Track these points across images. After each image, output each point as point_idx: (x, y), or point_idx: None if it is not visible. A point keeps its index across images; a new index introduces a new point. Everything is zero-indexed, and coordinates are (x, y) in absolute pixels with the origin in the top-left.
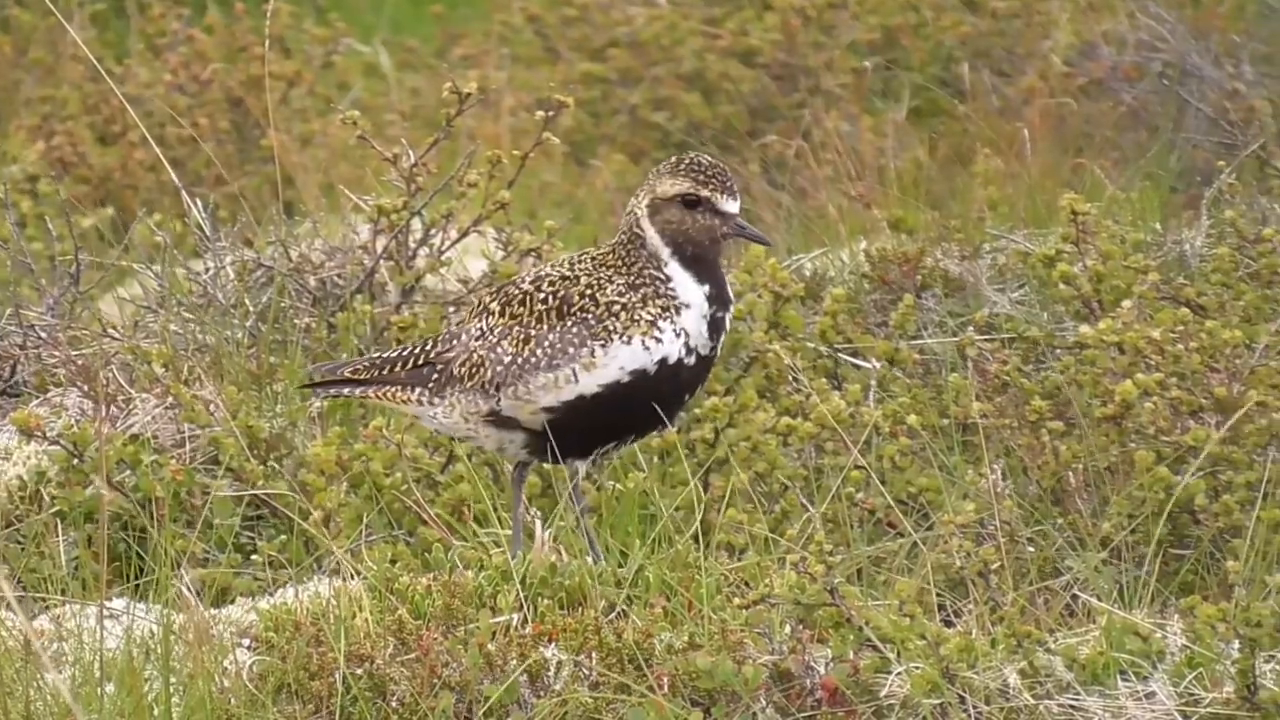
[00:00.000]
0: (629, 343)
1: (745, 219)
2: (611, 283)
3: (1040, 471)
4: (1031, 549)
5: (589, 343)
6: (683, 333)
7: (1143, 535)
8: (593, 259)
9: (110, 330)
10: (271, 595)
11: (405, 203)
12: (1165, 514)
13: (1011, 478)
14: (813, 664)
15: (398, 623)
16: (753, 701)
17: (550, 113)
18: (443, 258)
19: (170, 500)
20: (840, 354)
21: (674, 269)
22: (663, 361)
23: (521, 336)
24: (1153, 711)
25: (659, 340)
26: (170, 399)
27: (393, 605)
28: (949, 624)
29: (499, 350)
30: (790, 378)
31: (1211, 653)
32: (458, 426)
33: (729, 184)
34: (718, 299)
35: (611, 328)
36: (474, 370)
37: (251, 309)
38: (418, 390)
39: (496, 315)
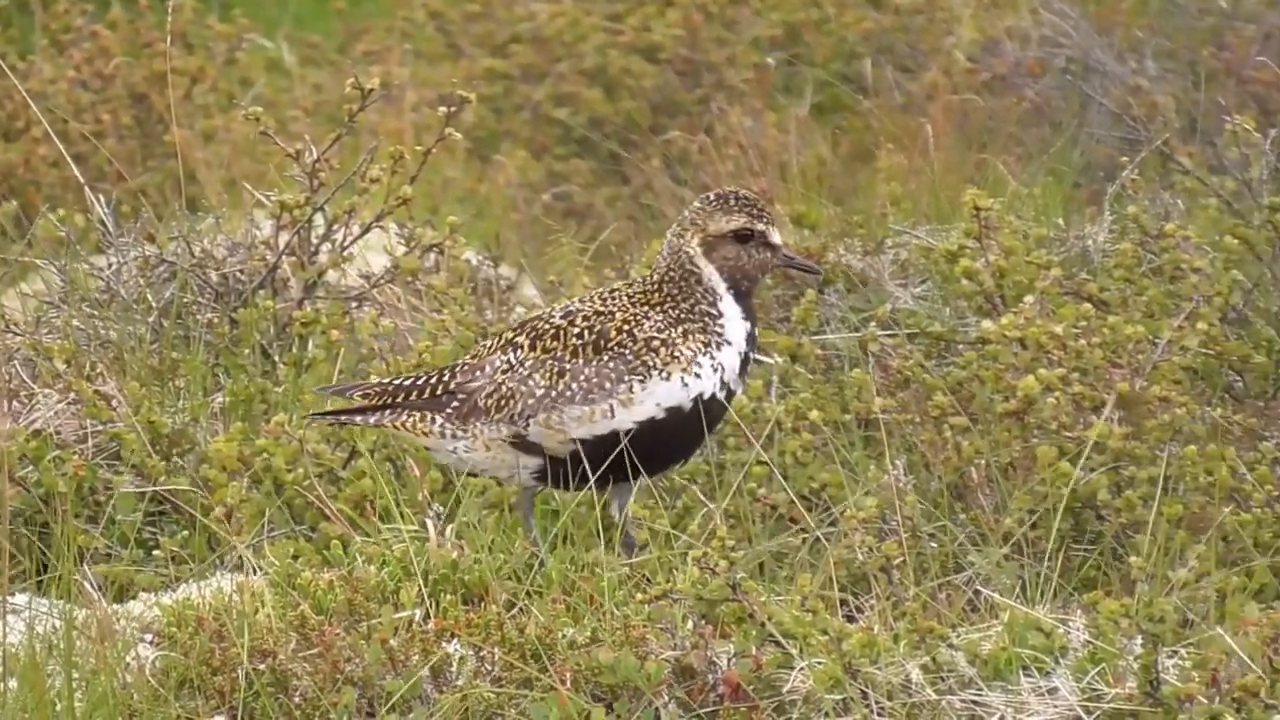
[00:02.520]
0: (668, 379)
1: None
2: (649, 318)
3: (942, 467)
4: (934, 544)
5: (627, 378)
6: (720, 368)
7: (1045, 531)
8: (627, 295)
9: (12, 326)
10: (174, 591)
11: (308, 198)
12: (1067, 509)
13: (913, 473)
14: (715, 659)
15: (300, 618)
16: (655, 697)
17: (453, 108)
18: (345, 253)
19: (72, 496)
20: None
21: (728, 304)
22: (698, 398)
23: (555, 370)
24: (1055, 707)
25: (698, 377)
26: (72, 394)
27: (295, 601)
28: (851, 619)
29: (530, 383)
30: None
31: (1114, 648)
32: (477, 454)
33: (772, 216)
34: (752, 338)
35: (651, 363)
36: (502, 402)
37: (154, 305)
38: (439, 421)
39: (526, 349)
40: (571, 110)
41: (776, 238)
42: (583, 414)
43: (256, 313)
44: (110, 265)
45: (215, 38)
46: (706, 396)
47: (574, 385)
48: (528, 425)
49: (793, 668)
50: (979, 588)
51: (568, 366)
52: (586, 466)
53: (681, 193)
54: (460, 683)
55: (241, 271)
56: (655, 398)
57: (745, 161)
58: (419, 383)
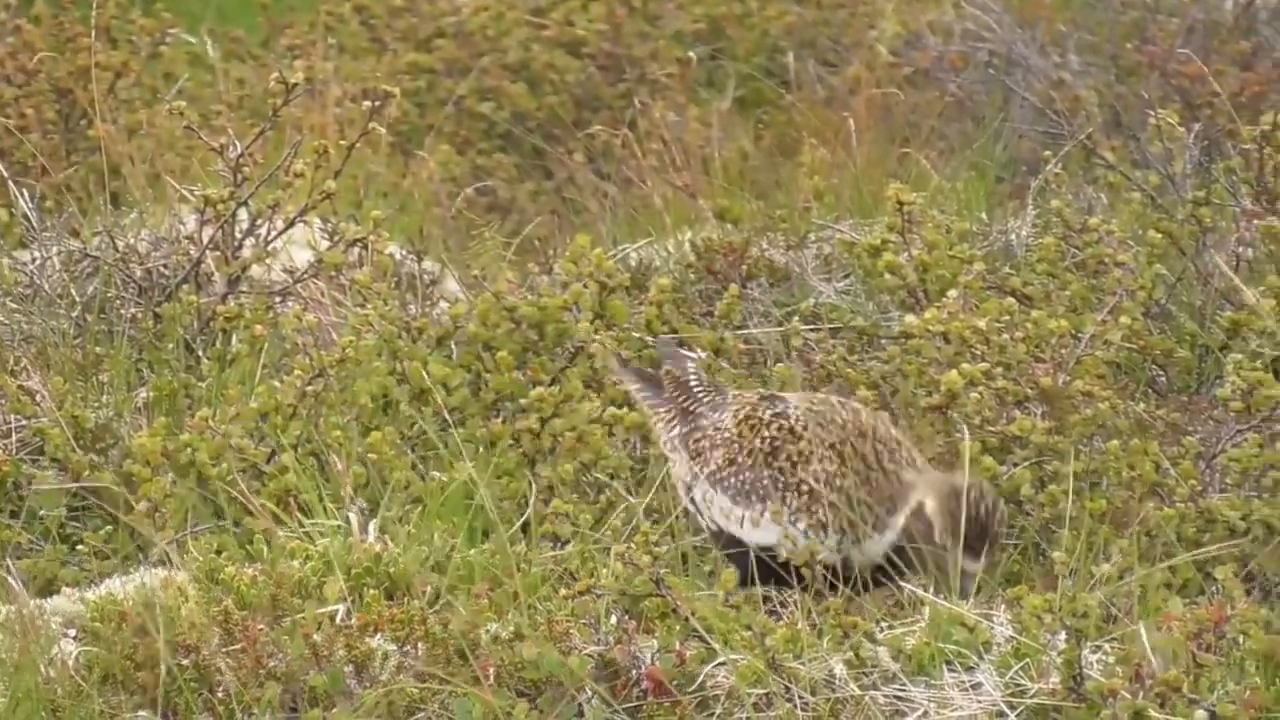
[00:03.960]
0: (795, 524)
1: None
2: (820, 462)
3: None
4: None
5: (766, 501)
6: (846, 556)
7: None
8: (841, 433)
9: None
10: (97, 586)
11: (232, 193)
12: None
13: None
14: (638, 654)
15: (223, 613)
16: (578, 692)
17: (376, 103)
18: (269, 248)
19: None
20: None
21: (886, 540)
22: (812, 554)
23: (729, 458)
24: (979, 702)
25: (805, 537)
26: None
27: (218, 596)
28: (775, 615)
29: (715, 453)
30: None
31: (1038, 643)
32: (678, 483)
33: (978, 548)
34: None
35: (788, 502)
36: (696, 454)
37: (78, 299)
38: (675, 430)
39: (735, 421)
40: (495, 105)
41: (969, 567)
42: (725, 507)
43: (180, 308)
44: (34, 260)
45: (139, 32)
46: (821, 558)
47: (733, 479)
48: (692, 487)
49: (716, 663)
50: (902, 583)
51: (738, 459)
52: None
53: (604, 187)
54: (383, 678)
55: (165, 266)
56: (774, 534)
57: (668, 156)
58: (696, 389)
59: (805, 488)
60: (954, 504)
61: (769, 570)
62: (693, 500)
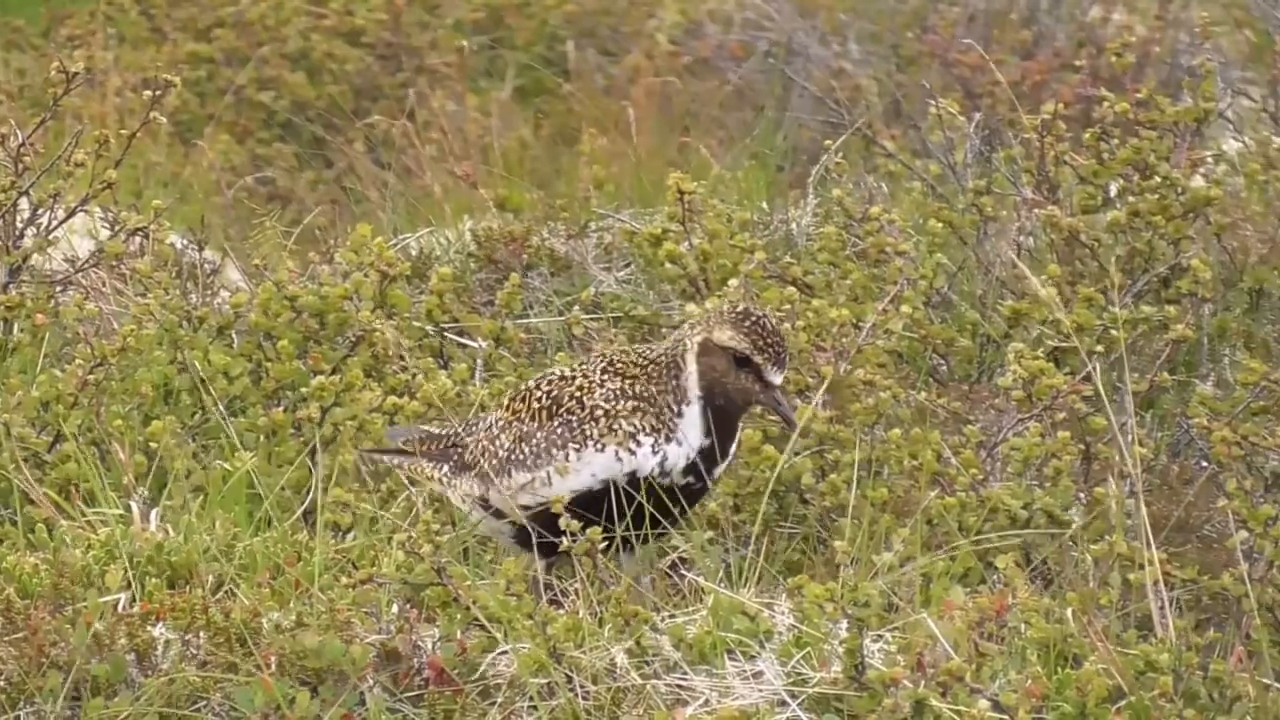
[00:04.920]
0: (602, 450)
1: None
2: (603, 386)
3: None
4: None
5: (566, 446)
6: (662, 454)
7: (749, 514)
8: (610, 360)
9: None
10: None
11: (12, 183)
12: (772, 493)
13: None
14: (420, 643)
15: (5, 601)
16: (360, 681)
17: (156, 93)
18: (50, 237)
19: None
20: (447, 333)
21: (692, 412)
22: (633, 475)
23: (517, 433)
24: (760, 691)
25: (633, 454)
26: None
27: (0, 585)
28: (556, 603)
29: (497, 444)
30: (397, 357)
31: (819, 632)
32: (464, 508)
33: (783, 355)
34: (710, 454)
35: (588, 433)
36: (478, 459)
37: None
38: (443, 468)
39: (504, 409)
40: (274, 94)
41: (774, 376)
42: (525, 481)
43: None
44: None
45: None
46: (643, 475)
47: (525, 449)
48: (488, 489)
49: (498, 651)
50: (684, 571)
51: (525, 429)
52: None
53: (384, 176)
54: (166, 666)
55: None
56: (591, 468)
57: (447, 145)
58: (446, 432)
59: (599, 412)
60: (747, 325)
61: (598, 509)
62: (490, 506)
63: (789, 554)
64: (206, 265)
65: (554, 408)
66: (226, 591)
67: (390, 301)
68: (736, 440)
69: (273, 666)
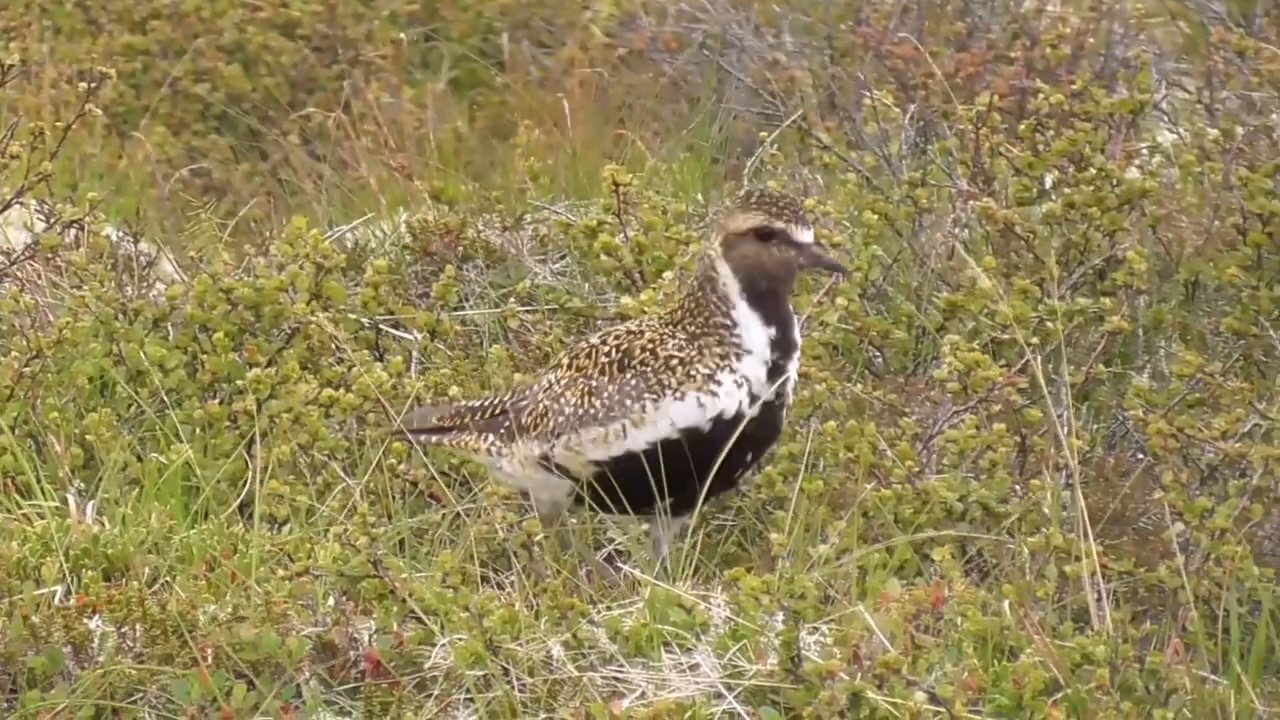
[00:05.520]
0: (682, 399)
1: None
2: (674, 337)
3: None
4: (574, 521)
5: (643, 397)
6: (744, 381)
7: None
8: (660, 317)
9: None
10: None
11: None
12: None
13: None
14: (356, 636)
15: None
16: (296, 673)
17: (92, 84)
18: None
19: None
20: (382, 325)
21: (742, 311)
22: (718, 417)
23: (585, 389)
24: (697, 683)
25: (714, 395)
26: None
27: None
28: (493, 596)
29: (563, 401)
30: (332, 349)
31: (755, 625)
32: (517, 474)
33: (801, 213)
34: (782, 344)
35: (665, 382)
36: (539, 420)
37: None
38: (489, 439)
39: (565, 368)
40: (210, 86)
41: (803, 235)
42: (598, 435)
43: None
44: None
45: None
46: (730, 415)
47: (596, 403)
48: (553, 448)
49: (434, 644)
50: (620, 564)
51: (594, 384)
52: (617, 490)
53: (319, 168)
54: (102, 659)
55: None
56: (669, 417)
57: (382, 137)
58: (486, 404)
59: (674, 362)
60: (754, 201)
61: (678, 459)
62: (550, 465)
63: (725, 547)
64: (142, 257)
65: (625, 360)
66: (163, 584)
67: (326, 294)
68: (797, 328)
69: (209, 659)
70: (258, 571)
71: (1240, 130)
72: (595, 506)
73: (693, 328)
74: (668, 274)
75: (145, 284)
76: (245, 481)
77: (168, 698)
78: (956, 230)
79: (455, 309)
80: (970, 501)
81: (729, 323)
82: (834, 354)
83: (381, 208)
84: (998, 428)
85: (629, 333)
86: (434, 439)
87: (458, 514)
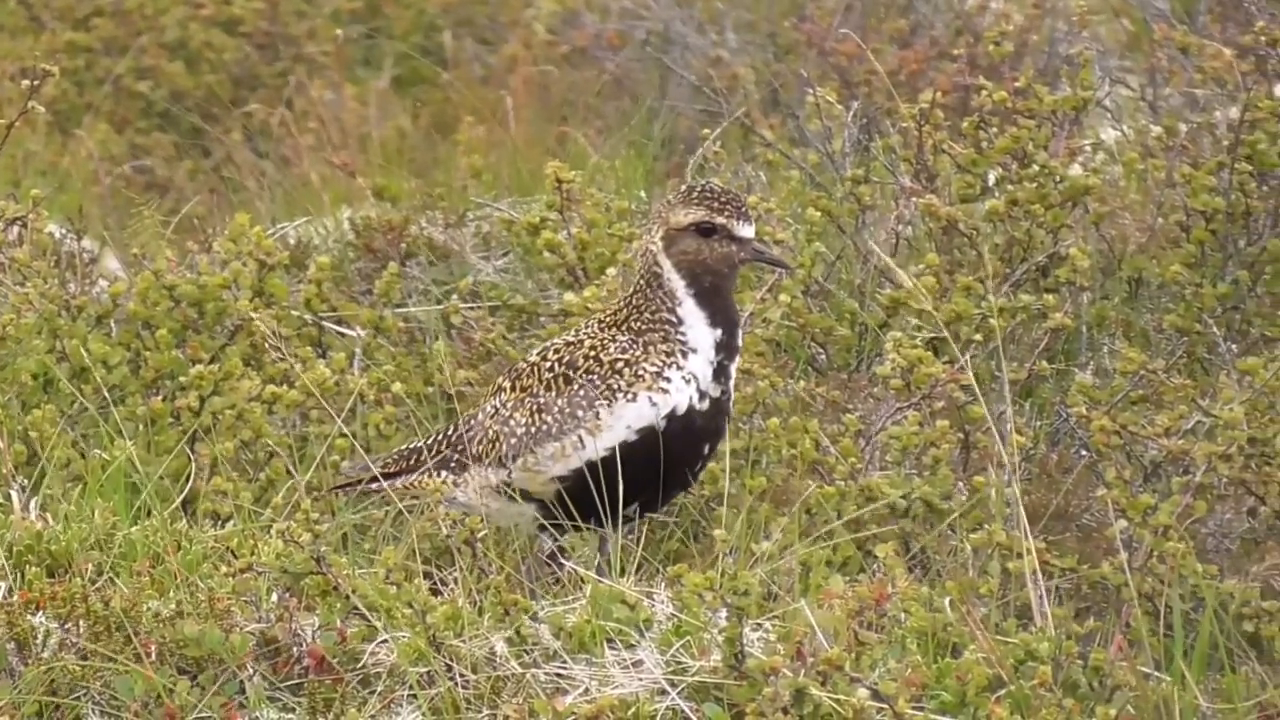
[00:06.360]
0: (634, 400)
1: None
2: (615, 341)
3: None
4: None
5: (595, 404)
6: (691, 378)
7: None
8: (599, 321)
9: None
10: None
11: None
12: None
13: None
14: (300, 632)
15: None
16: (240, 669)
17: (35, 82)
18: None
19: None
20: (325, 322)
21: (689, 308)
22: (672, 414)
23: (534, 407)
24: (640, 680)
25: (665, 391)
26: None
27: None
28: (436, 592)
29: (512, 423)
30: (275, 346)
31: (699, 621)
32: (473, 503)
33: (743, 208)
34: (726, 346)
35: (615, 386)
36: (490, 446)
37: None
38: (442, 474)
39: (509, 390)
40: (153, 83)
41: (744, 230)
42: (555, 450)
43: None
44: None
45: None
46: (682, 410)
47: (548, 419)
48: (510, 473)
49: (377, 640)
50: (563, 560)
51: (542, 401)
52: (572, 509)
53: (263, 166)
54: (45, 655)
55: None
56: (625, 420)
57: (325, 134)
58: (431, 442)
59: (620, 364)
60: (695, 196)
61: (637, 462)
62: (511, 491)
63: (669, 543)
64: (85, 254)
65: (569, 372)
66: (106, 580)
67: (268, 290)
68: (741, 330)
69: (152, 655)
70: (201, 568)
71: (1183, 127)
72: (560, 526)
73: (638, 324)
74: (611, 270)
75: (88, 281)
76: (188, 478)
77: (111, 694)
78: (899, 227)
79: (398, 306)
80: (913, 498)
81: (674, 319)
82: (777, 351)
83: (324, 205)
84: (940, 424)
85: (567, 344)
86: (375, 486)
87: (401, 511)
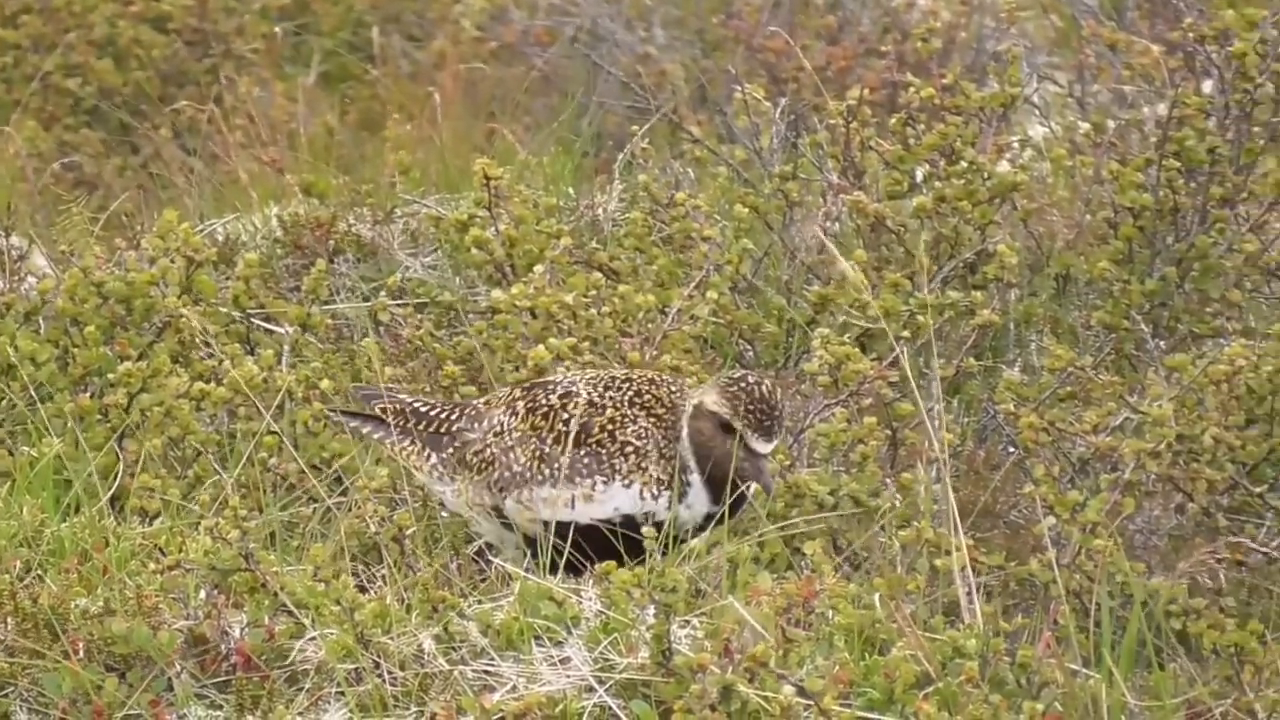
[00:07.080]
0: (629, 487)
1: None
2: (635, 422)
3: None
4: (446, 514)
5: (594, 476)
6: (676, 514)
7: None
8: (635, 390)
9: None
10: None
11: None
12: None
13: None
14: (228, 629)
15: None
16: (168, 667)
17: None
18: None
19: None
20: (253, 319)
21: (695, 480)
22: (648, 515)
23: (536, 453)
24: (568, 677)
25: (655, 498)
26: None
27: None
28: (364, 589)
29: (511, 455)
30: (203, 343)
31: (627, 618)
32: (461, 510)
33: (769, 424)
34: (712, 518)
35: (617, 467)
36: (485, 465)
37: None
38: (432, 460)
39: (520, 417)
40: (81, 80)
41: (761, 446)
42: (549, 496)
43: None
44: None
45: None
46: (657, 518)
47: (546, 470)
48: (504, 502)
49: (305, 637)
50: (491, 558)
51: (547, 451)
52: (540, 548)
53: (191, 162)
54: None
55: None
56: (614, 501)
57: (254, 131)
58: (432, 412)
59: (630, 449)
60: (734, 389)
61: (603, 546)
62: (503, 517)
63: None
64: (13, 251)
65: (582, 435)
66: (34, 577)
67: (197, 287)
68: (745, 498)
69: (80, 652)
70: (129, 565)
71: (1111, 124)
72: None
73: (662, 431)
74: (538, 268)
75: (16, 278)
76: (116, 475)
77: (39, 691)
78: (827, 224)
79: (326, 303)
80: (841, 495)
81: (684, 474)
82: (704, 347)
83: (253, 202)
84: (868, 421)
85: (590, 404)
86: (367, 429)
87: (329, 507)
